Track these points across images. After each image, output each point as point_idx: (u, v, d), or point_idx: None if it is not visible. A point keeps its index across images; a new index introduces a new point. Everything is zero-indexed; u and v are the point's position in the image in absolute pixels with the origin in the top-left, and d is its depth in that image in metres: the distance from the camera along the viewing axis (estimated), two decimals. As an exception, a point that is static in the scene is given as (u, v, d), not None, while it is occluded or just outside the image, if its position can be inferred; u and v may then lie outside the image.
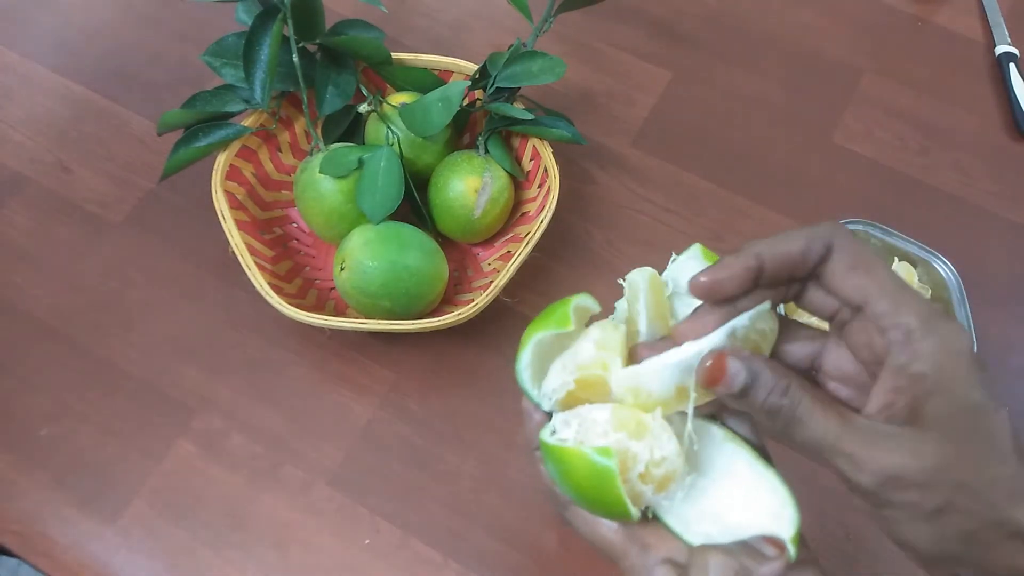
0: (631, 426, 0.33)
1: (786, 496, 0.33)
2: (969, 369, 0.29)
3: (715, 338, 0.32)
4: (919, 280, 0.56)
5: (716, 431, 0.35)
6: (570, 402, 0.35)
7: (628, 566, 0.35)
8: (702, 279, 0.32)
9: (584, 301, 0.37)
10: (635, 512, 0.32)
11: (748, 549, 0.33)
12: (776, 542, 0.32)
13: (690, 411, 0.33)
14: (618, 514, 0.33)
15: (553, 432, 0.34)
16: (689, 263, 0.37)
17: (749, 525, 0.33)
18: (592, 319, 0.37)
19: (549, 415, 0.36)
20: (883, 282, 0.30)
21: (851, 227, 0.58)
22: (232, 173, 0.58)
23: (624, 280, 0.36)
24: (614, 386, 0.34)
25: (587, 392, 0.35)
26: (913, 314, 0.29)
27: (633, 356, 0.35)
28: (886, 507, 0.29)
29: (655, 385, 0.33)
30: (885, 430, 0.29)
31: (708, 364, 0.31)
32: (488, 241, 0.62)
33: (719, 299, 0.32)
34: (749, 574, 0.31)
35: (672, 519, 0.34)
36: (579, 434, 0.33)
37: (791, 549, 0.32)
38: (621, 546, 0.35)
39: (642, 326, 0.35)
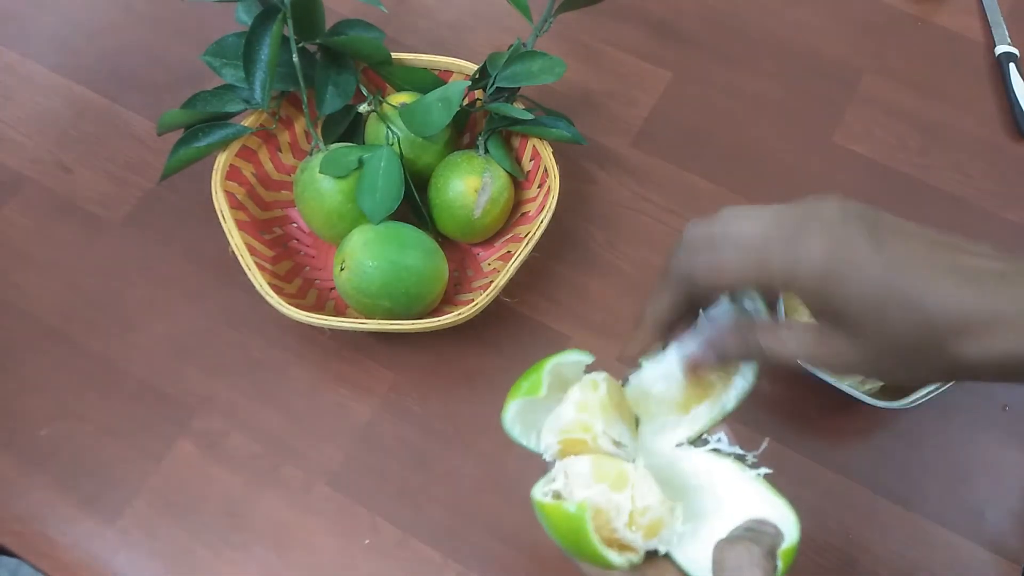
0: (611, 477, 0.34)
1: (790, 516, 0.34)
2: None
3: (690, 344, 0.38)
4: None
5: (728, 463, 0.37)
6: (566, 451, 0.37)
7: None
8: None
9: (568, 358, 0.39)
10: (618, 560, 0.33)
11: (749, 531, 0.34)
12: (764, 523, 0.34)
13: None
14: (600, 563, 0.34)
15: (552, 481, 0.36)
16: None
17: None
18: (588, 368, 0.39)
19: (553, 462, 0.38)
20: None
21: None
22: (232, 173, 0.58)
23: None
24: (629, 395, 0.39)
25: (575, 449, 0.37)
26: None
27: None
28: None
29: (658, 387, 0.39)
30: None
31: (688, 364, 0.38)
32: (488, 241, 0.62)
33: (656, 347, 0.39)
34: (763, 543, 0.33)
35: (680, 556, 0.35)
36: (567, 485, 0.35)
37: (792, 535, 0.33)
38: None
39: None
